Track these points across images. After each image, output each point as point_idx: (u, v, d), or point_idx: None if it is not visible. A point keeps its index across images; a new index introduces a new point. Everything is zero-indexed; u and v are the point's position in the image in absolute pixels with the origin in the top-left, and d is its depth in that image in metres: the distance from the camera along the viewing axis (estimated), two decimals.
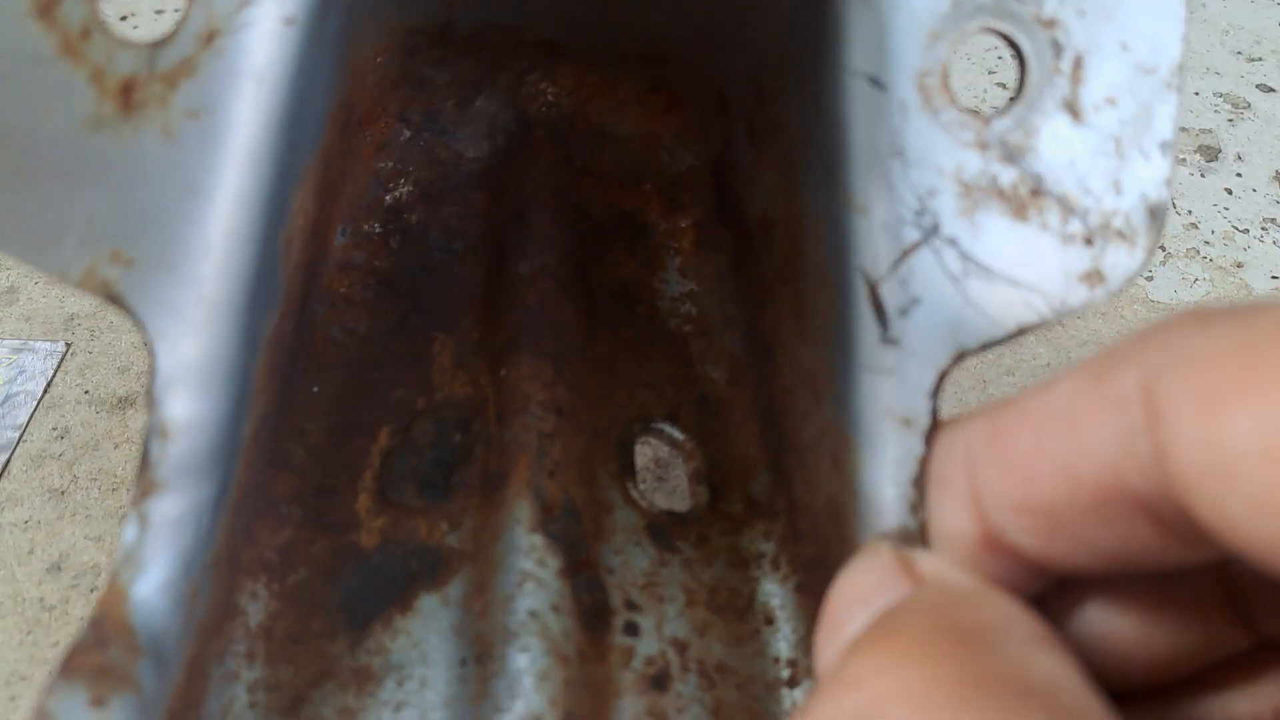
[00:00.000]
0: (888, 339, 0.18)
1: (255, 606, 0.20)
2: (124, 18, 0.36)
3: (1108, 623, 0.16)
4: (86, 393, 0.26)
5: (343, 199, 0.25)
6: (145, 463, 0.16)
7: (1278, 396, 0.12)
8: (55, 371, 0.25)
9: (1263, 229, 0.34)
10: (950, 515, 0.16)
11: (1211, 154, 0.34)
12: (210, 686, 0.19)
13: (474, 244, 0.26)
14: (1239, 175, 0.37)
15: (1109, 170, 0.18)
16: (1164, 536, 0.14)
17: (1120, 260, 0.18)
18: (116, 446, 0.25)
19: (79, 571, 0.25)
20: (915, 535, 0.18)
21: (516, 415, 0.22)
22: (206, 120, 0.16)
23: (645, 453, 0.24)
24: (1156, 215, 0.18)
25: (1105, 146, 0.18)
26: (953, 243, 0.18)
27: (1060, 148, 0.18)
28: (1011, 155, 0.18)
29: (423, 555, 0.21)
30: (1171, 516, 0.13)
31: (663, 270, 0.27)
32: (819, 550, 0.20)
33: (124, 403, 0.26)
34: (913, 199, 0.17)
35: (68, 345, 0.27)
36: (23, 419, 0.24)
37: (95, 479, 0.24)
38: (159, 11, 0.35)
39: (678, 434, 0.24)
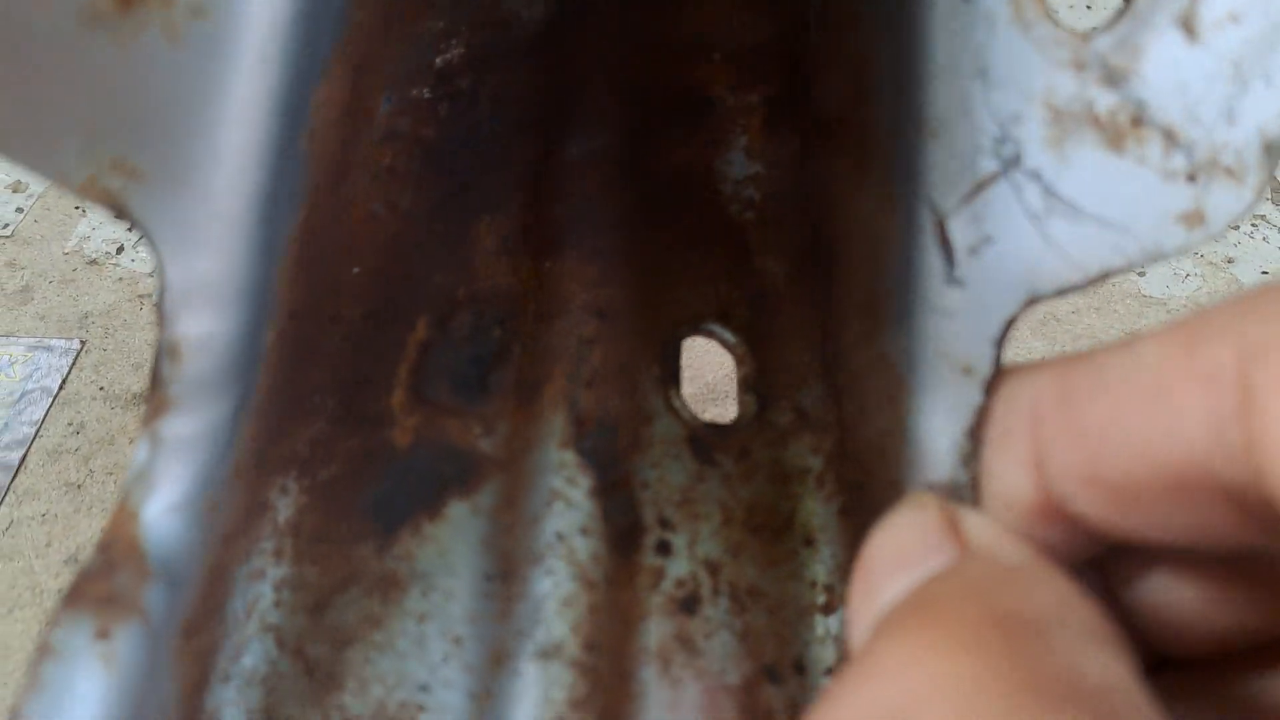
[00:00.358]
0: (953, 279, 0.16)
1: (284, 502, 0.20)
2: None
3: (1169, 591, 0.15)
4: (101, 389, 0.26)
5: (385, 66, 0.23)
6: (155, 381, 0.15)
7: None
8: (70, 369, 0.25)
9: (1253, 225, 0.31)
10: (1008, 475, 0.15)
11: None
12: (235, 586, 0.19)
13: (527, 118, 0.24)
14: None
15: (1224, 98, 0.16)
16: (1246, 523, 0.12)
17: (1225, 200, 0.16)
18: (131, 441, 0.25)
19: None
20: (965, 489, 0.17)
21: (556, 318, 0.21)
22: (212, 18, 0.14)
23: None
24: (1272, 151, 0.16)
25: (1223, 70, 0.16)
26: (1036, 176, 0.16)
27: (1170, 70, 0.16)
28: (1113, 78, 0.15)
29: (454, 459, 0.20)
30: (1257, 506, 0.12)
31: (727, 151, 0.25)
32: (865, 475, 0.19)
33: (138, 398, 0.25)
34: (994, 125, 0.15)
35: (82, 343, 0.27)
36: (39, 415, 0.24)
37: (111, 473, 0.24)
38: None
39: (729, 336, 0.23)
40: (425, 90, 0.26)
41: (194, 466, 0.16)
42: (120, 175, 0.15)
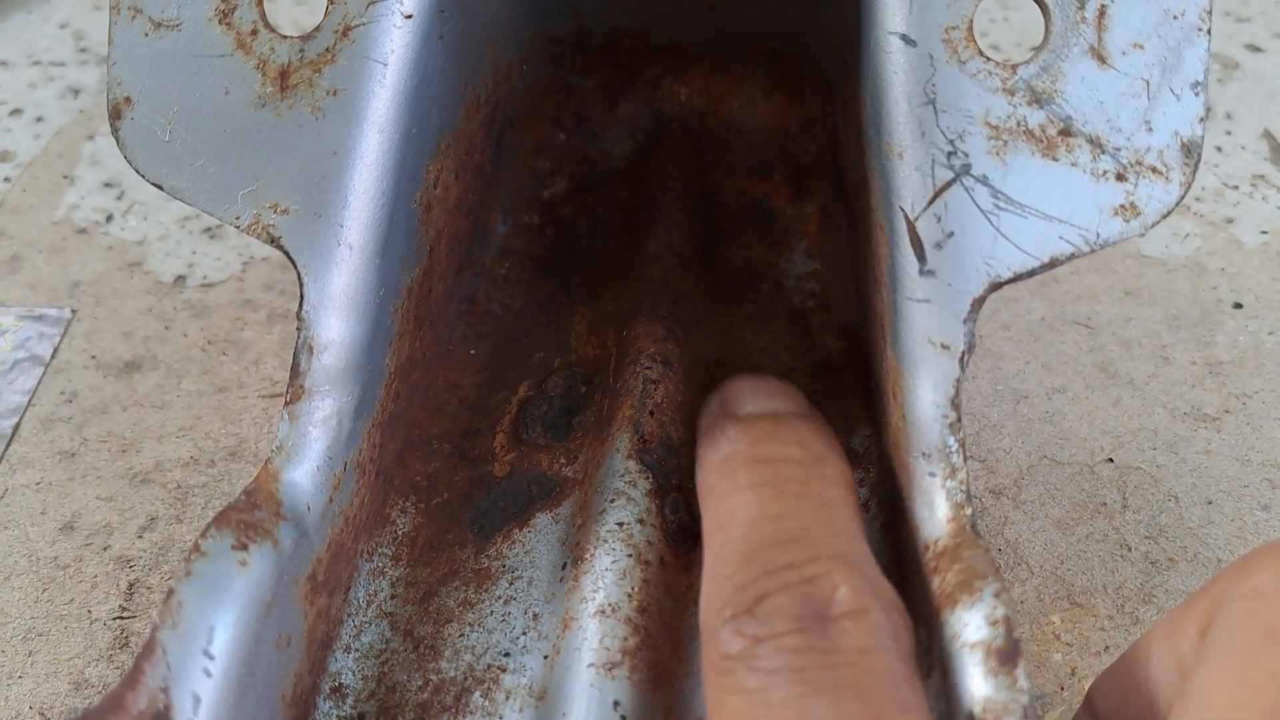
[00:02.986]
0: (925, 271, 0.19)
1: (403, 520, 0.24)
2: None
3: None
4: (93, 358, 0.29)
5: (501, 192, 0.29)
6: (295, 372, 0.20)
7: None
8: (61, 337, 0.28)
9: (1252, 185, 0.33)
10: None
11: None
12: (359, 577, 0.22)
13: (615, 229, 0.29)
14: (1228, 133, 0.35)
15: (1140, 110, 0.19)
16: None
17: (1155, 194, 0.19)
18: (124, 409, 0.28)
19: (91, 531, 0.27)
20: (955, 452, 0.19)
21: (628, 365, 0.24)
22: (344, 97, 0.20)
23: None
24: (1191, 150, 0.19)
25: (1134, 88, 0.19)
26: (984, 180, 0.19)
27: (1088, 91, 0.19)
28: (1039, 99, 0.19)
29: (542, 483, 0.24)
30: None
31: (789, 252, 0.29)
32: (894, 490, 0.22)
33: (130, 366, 0.28)
34: (945, 141, 0.19)
35: (73, 311, 0.30)
36: (31, 384, 0.27)
37: (104, 441, 0.26)
38: (299, 2, 0.38)
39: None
40: (536, 217, 0.31)
41: (321, 445, 0.20)
42: (275, 214, 0.20)
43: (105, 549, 0.26)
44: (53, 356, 0.29)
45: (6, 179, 0.33)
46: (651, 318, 0.25)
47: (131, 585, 0.25)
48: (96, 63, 0.36)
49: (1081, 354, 0.29)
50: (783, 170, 0.30)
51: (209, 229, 0.31)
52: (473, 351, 0.27)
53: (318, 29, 0.20)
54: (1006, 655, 0.16)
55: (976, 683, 0.16)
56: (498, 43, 0.25)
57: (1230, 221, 0.32)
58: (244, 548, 0.18)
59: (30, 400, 0.28)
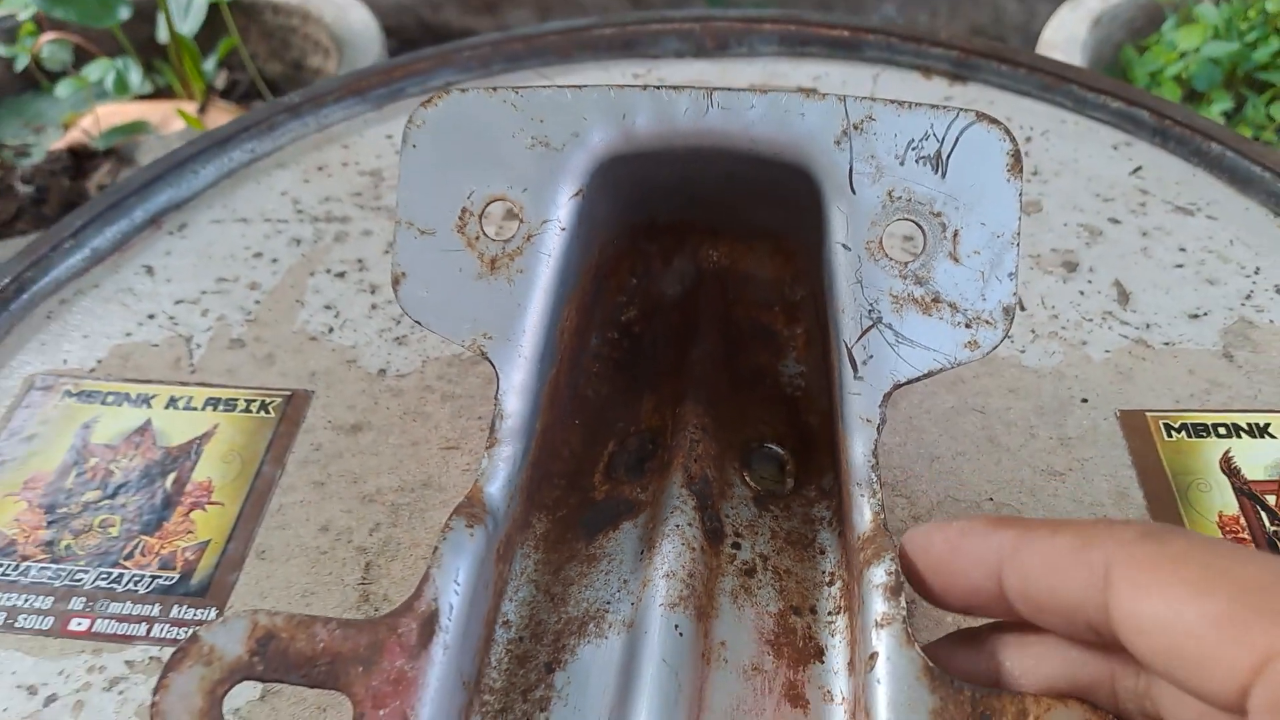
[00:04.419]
0: (858, 377, 0.31)
1: (539, 525, 0.36)
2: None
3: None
4: (329, 421, 0.40)
5: (595, 318, 0.41)
6: (492, 429, 0.32)
7: (1165, 596, 0.21)
8: (307, 409, 0.39)
9: (1102, 319, 0.44)
10: (981, 577, 0.25)
11: (1071, 267, 0.45)
12: (516, 558, 0.34)
13: (669, 342, 0.41)
14: (1090, 281, 0.46)
15: (978, 288, 0.31)
16: (1091, 631, 0.23)
17: (988, 336, 0.31)
18: (353, 455, 0.37)
19: (339, 531, 0.37)
20: (874, 483, 0.31)
21: (680, 431, 0.36)
22: (526, 274, 0.32)
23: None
24: (1009, 312, 0.31)
25: (974, 276, 0.31)
26: (890, 327, 0.31)
27: (948, 277, 0.31)
28: (920, 281, 0.31)
29: (626, 504, 0.36)
30: (1102, 627, 0.23)
31: (784, 360, 0.41)
32: (844, 505, 0.34)
33: (354, 428, 0.39)
34: (866, 304, 0.31)
35: (312, 391, 0.42)
36: (291, 441, 0.37)
37: (342, 475, 0.37)
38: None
39: (781, 451, 0.38)
40: (615, 333, 0.43)
41: (505, 473, 0.32)
42: (485, 339, 0.32)
43: (349, 542, 0.37)
44: (303, 420, 0.41)
45: (257, 302, 0.45)
46: (694, 400, 0.37)
47: (367, 565, 0.37)
48: (309, 220, 0.49)
49: (976, 430, 0.41)
50: (780, 305, 0.42)
51: (399, 338, 0.44)
52: (577, 422, 0.39)
53: (512, 236, 0.32)
54: (895, 590, 0.28)
55: (878, 605, 0.28)
56: (603, 230, 0.38)
57: (1084, 343, 0.44)
58: (471, 527, 0.30)
59: (289, 447, 0.40)
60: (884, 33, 0.61)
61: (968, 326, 0.31)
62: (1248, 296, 0.46)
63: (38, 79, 0.99)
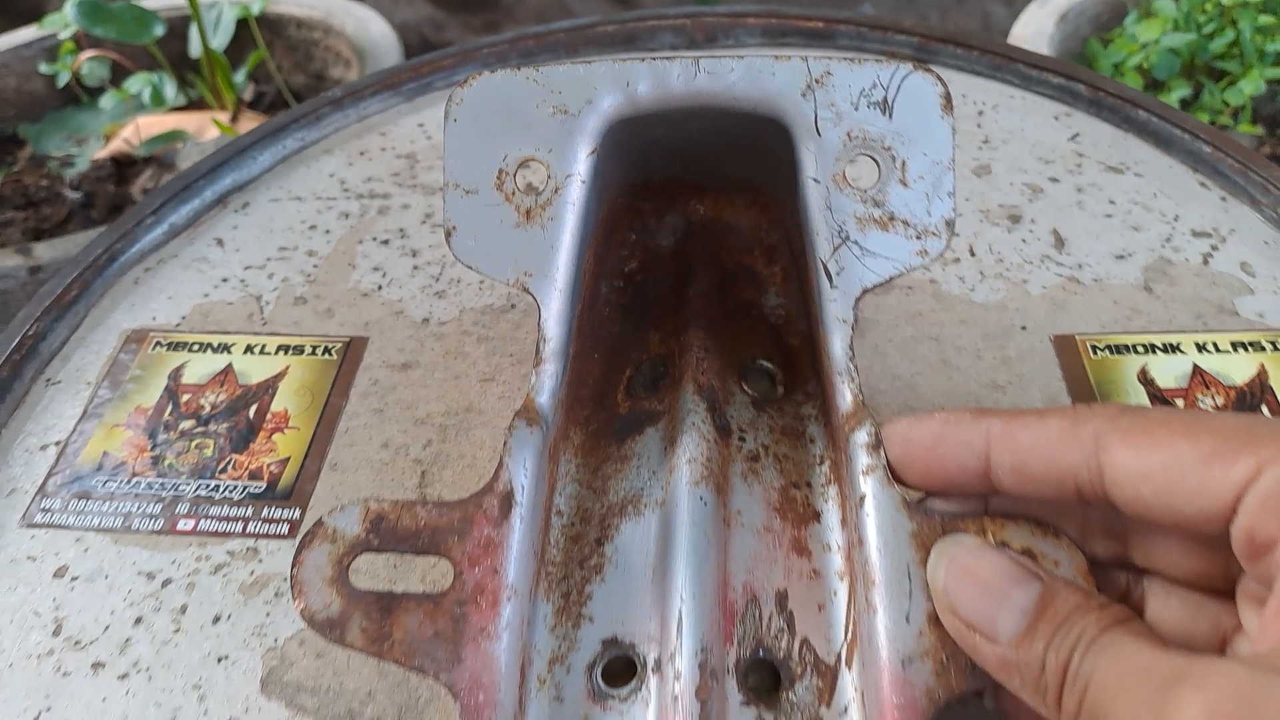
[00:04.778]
0: (833, 286, 0.38)
1: (577, 438, 0.41)
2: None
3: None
4: (384, 361, 0.45)
5: (605, 268, 0.47)
6: (537, 351, 0.38)
7: (1159, 447, 0.25)
8: (364, 352, 0.45)
9: (1041, 261, 0.51)
10: (968, 457, 0.30)
11: (1016, 219, 0.51)
12: (560, 462, 0.40)
13: (668, 285, 0.47)
14: (1031, 231, 0.51)
15: (924, 207, 0.37)
16: (1084, 496, 0.27)
17: (934, 245, 0.37)
18: (406, 388, 0.42)
19: (397, 447, 0.42)
20: (852, 371, 0.37)
21: (686, 353, 0.42)
22: (556, 220, 0.38)
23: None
24: (950, 224, 0.38)
25: (921, 197, 0.37)
26: (856, 243, 0.38)
27: (900, 199, 0.38)
28: (878, 204, 0.38)
29: (647, 414, 0.42)
30: (1091, 490, 0.27)
31: (765, 293, 0.47)
32: (828, 394, 0.40)
33: (405, 366, 0.45)
34: (836, 226, 0.38)
35: (367, 338, 0.48)
36: (353, 376, 0.43)
37: (397, 404, 0.42)
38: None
39: (770, 366, 0.44)
40: (620, 282, 0.49)
41: (549, 386, 0.38)
42: (525, 277, 0.38)
43: (406, 455, 0.42)
44: (360, 361, 0.47)
45: (315, 266, 0.51)
46: (695, 328, 0.44)
47: (423, 474, 0.43)
48: (355, 197, 0.55)
49: (931, 354, 0.47)
50: (759, 249, 0.48)
51: (438, 293, 0.50)
52: (596, 356, 0.45)
53: (542, 190, 0.39)
54: (874, 446, 0.34)
55: (862, 459, 0.34)
56: (610, 188, 0.44)
57: (1025, 282, 0.50)
58: (530, 426, 0.36)
59: (352, 382, 0.46)
60: (854, 23, 0.67)
61: (918, 238, 0.37)
62: (1167, 239, 0.52)
63: (78, 94, 1.05)
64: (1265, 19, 1.16)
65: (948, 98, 0.37)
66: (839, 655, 0.34)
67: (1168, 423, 0.26)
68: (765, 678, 0.34)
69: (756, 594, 0.35)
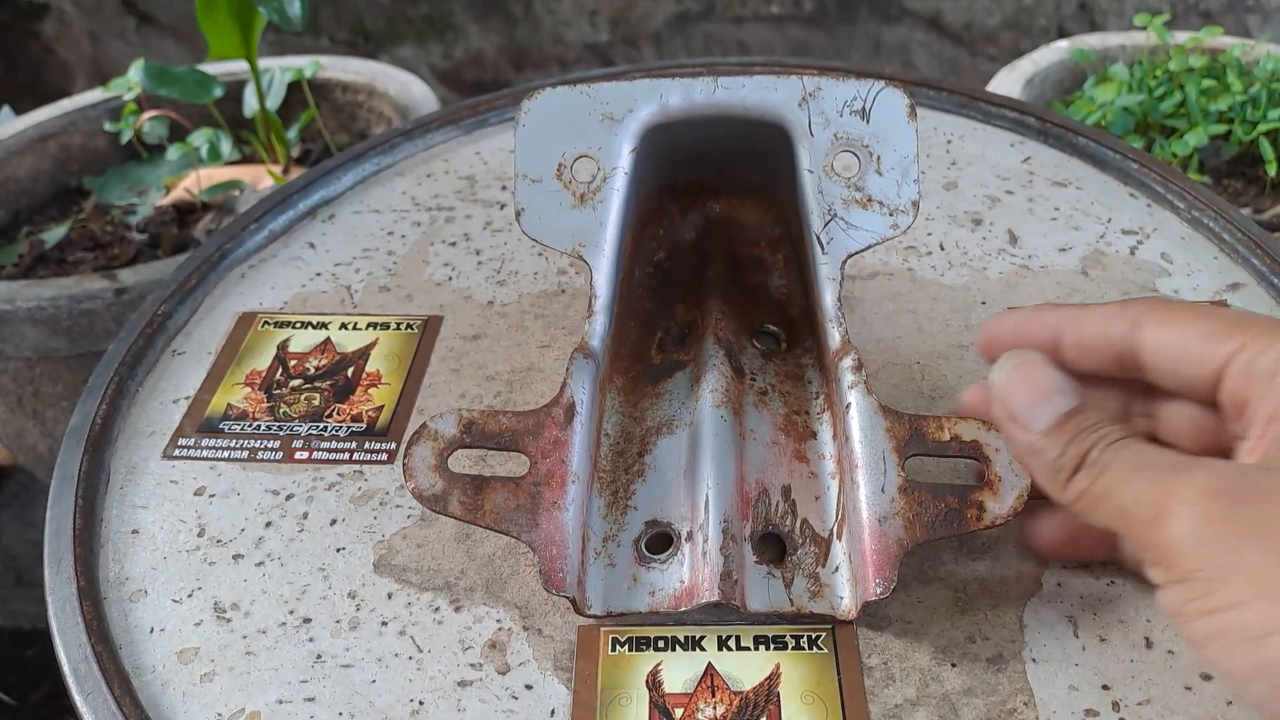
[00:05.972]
0: (825, 252, 0.47)
1: (618, 380, 0.50)
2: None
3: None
4: (458, 334, 0.54)
5: (640, 254, 0.57)
6: (590, 303, 0.47)
7: (1177, 326, 0.34)
8: (440, 327, 0.54)
9: (998, 254, 0.60)
10: (1044, 335, 0.38)
11: (978, 222, 0.60)
12: (607, 397, 0.49)
13: (690, 269, 0.57)
14: (990, 230, 0.59)
15: (896, 191, 0.47)
16: (1124, 366, 0.36)
17: (904, 220, 0.47)
18: (477, 354, 0.50)
19: (472, 397, 0.49)
20: (841, 317, 0.47)
21: (707, 316, 0.52)
22: (604, 203, 0.48)
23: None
24: (916, 205, 0.47)
25: (893, 183, 0.47)
26: (841, 219, 0.47)
27: (876, 185, 0.47)
28: (858, 188, 0.47)
29: (677, 362, 0.51)
30: (1129, 360, 0.36)
31: (771, 277, 0.57)
32: (820, 339, 0.49)
33: (475, 337, 0.54)
34: (826, 205, 0.47)
35: (442, 316, 0.57)
36: (430, 347, 0.52)
37: (470, 365, 0.49)
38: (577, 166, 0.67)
39: (775, 329, 0.54)
40: (651, 269, 0.58)
41: (600, 332, 0.46)
42: (580, 248, 0.47)
43: (481, 402, 0.51)
44: (438, 334, 0.56)
45: (395, 263, 0.60)
46: (714, 299, 0.53)
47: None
48: (425, 209, 0.64)
49: (909, 323, 0.57)
50: (765, 241, 0.58)
51: (500, 281, 0.59)
52: (632, 324, 0.55)
53: (593, 179, 0.48)
54: (857, 368, 0.43)
55: (848, 378, 0.43)
56: (645, 185, 0.54)
57: (985, 269, 0.60)
58: (586, 359, 0.45)
59: (432, 351, 0.55)
60: (843, 70, 0.78)
61: (891, 215, 0.47)
62: (1101, 236, 0.62)
63: (138, 150, 1.16)
64: (1208, 82, 1.28)
65: (913, 108, 0.47)
66: (831, 531, 0.43)
67: (1188, 309, 0.35)
68: (773, 548, 0.43)
69: (766, 488, 0.44)
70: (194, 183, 1.06)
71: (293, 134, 1.10)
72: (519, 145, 0.48)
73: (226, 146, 1.04)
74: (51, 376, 1.00)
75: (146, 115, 1.11)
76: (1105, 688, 0.38)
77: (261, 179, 1.03)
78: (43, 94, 1.69)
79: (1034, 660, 0.39)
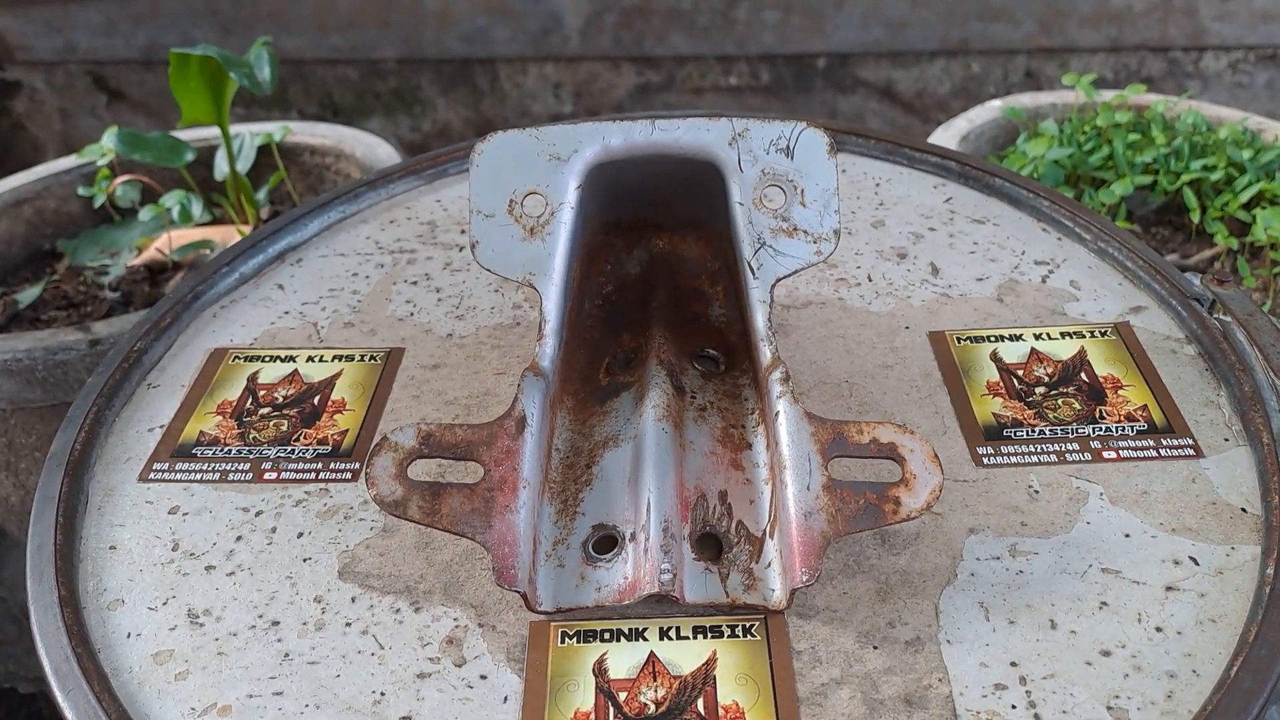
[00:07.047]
0: (756, 278, 0.51)
1: (568, 401, 0.54)
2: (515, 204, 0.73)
3: None
4: (419, 364, 0.58)
5: (587, 288, 0.60)
6: (540, 326, 0.50)
7: None
8: (402, 357, 0.57)
9: (921, 283, 0.63)
10: None
11: (903, 255, 0.64)
12: (557, 415, 0.52)
13: (636, 301, 0.60)
14: (915, 263, 0.64)
15: (819, 219, 0.51)
16: None
17: (826, 247, 0.51)
18: (437, 381, 0.52)
19: (463, 406, 0.56)
20: (771, 337, 0.50)
21: (651, 342, 0.55)
22: (552, 235, 0.51)
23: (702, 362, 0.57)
24: (837, 233, 0.51)
25: (816, 214, 0.51)
26: (770, 247, 0.51)
27: (801, 216, 0.51)
28: (785, 219, 0.51)
29: (623, 384, 0.54)
30: None
31: (711, 307, 0.61)
32: (754, 359, 0.52)
33: (434, 366, 0.57)
34: (756, 234, 0.51)
35: (404, 348, 0.60)
36: (392, 378, 0.56)
37: (430, 391, 0.51)
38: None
39: (714, 353, 0.57)
40: (599, 301, 0.62)
41: (549, 352, 0.50)
42: (530, 275, 0.51)
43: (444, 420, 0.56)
44: (400, 364, 0.59)
45: (359, 301, 0.64)
46: (657, 328, 0.57)
47: None
48: (388, 252, 0.68)
49: (839, 347, 0.60)
50: (705, 274, 0.62)
51: (458, 315, 0.62)
52: (582, 351, 0.58)
53: (542, 214, 0.52)
54: (785, 379, 0.47)
55: (777, 388, 0.46)
56: (591, 220, 0.58)
57: (909, 298, 0.64)
58: (536, 377, 0.48)
59: (394, 379, 0.58)
60: (779, 118, 0.83)
61: (815, 242, 0.51)
62: (1015, 267, 0.66)
63: (110, 214, 1.19)
64: (1134, 136, 1.35)
65: (833, 145, 0.51)
66: (764, 531, 0.46)
67: None
68: (711, 547, 0.46)
69: (704, 492, 0.47)
70: (165, 243, 1.09)
71: (262, 195, 1.13)
72: (473, 183, 0.52)
73: (198, 208, 1.07)
74: (25, 428, 1.02)
75: (120, 179, 1.14)
76: (1013, 664, 0.41)
77: (232, 239, 1.06)
78: (13, 170, 1.72)
79: (948, 642, 0.42)
